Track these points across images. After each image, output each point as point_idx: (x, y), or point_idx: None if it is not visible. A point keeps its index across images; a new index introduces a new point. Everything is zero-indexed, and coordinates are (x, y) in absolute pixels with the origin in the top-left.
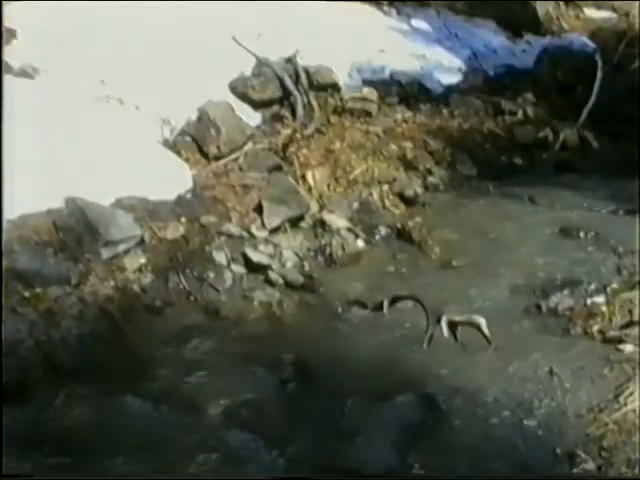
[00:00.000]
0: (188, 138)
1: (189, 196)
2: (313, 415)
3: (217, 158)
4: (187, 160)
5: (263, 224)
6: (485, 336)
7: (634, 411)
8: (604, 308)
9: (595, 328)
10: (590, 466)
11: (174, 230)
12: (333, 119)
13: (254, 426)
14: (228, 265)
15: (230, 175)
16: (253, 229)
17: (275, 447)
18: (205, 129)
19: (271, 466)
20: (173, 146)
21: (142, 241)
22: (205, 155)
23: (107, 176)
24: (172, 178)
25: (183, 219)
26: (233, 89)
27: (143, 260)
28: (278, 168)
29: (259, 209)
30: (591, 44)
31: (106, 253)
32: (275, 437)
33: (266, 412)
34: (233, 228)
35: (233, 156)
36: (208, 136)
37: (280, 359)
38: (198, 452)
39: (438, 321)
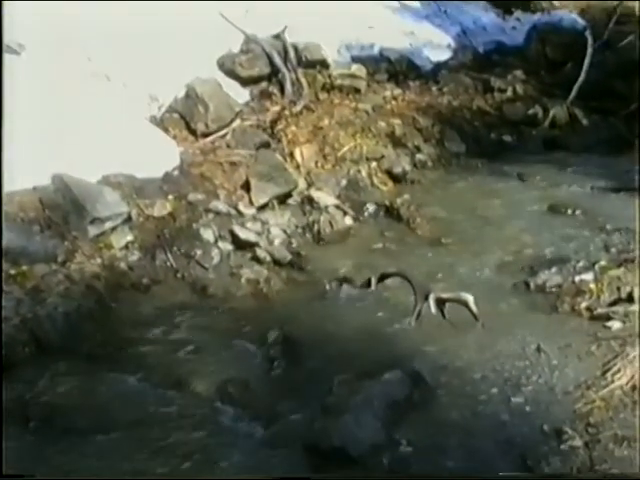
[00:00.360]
0: (176, 115)
1: (176, 173)
2: (300, 392)
3: (205, 135)
4: (174, 137)
5: (251, 201)
6: (473, 313)
7: (621, 388)
8: (592, 285)
9: (583, 305)
10: (577, 443)
11: (161, 207)
12: (322, 96)
13: (241, 403)
14: (215, 242)
15: (218, 152)
16: (241, 206)
17: (262, 424)
18: (193, 106)
19: (257, 443)
20: (160, 123)
21: (129, 218)
22: (193, 132)
23: (94, 153)
24: (159, 155)
25: (170, 196)
26: (221, 66)
27: (130, 237)
28: (266, 145)
29: (247, 186)
30: (581, 21)
31: (93, 230)
32: (262, 414)
33: (253, 389)
34: (221, 205)
35: (221, 133)
36: (196, 113)
37: (267, 336)
38: (184, 429)
39: (426, 298)
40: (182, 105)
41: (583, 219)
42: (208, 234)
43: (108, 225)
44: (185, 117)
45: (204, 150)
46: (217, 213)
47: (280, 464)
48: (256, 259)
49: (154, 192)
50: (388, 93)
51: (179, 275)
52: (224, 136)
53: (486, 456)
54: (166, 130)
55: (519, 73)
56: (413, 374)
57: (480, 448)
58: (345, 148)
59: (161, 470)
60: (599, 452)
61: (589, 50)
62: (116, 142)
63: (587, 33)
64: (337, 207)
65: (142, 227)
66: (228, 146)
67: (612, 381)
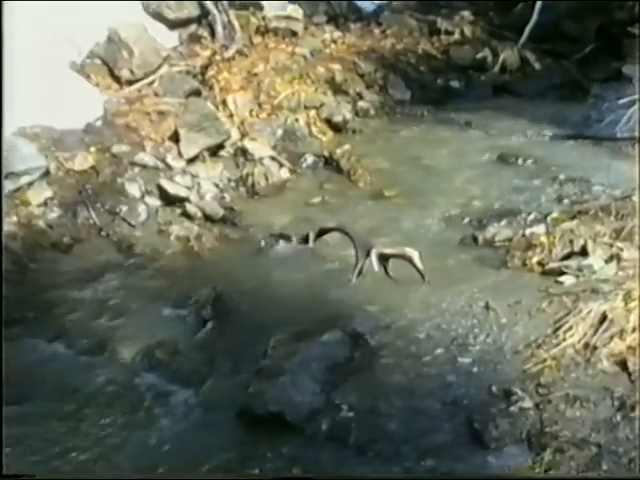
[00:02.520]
0: (97, 61)
1: (99, 124)
2: (233, 355)
3: (130, 82)
4: (97, 84)
5: (180, 153)
6: (418, 269)
7: (573, 346)
8: (544, 239)
9: (534, 260)
10: (527, 404)
11: (83, 161)
12: (256, 40)
13: (170, 368)
14: (142, 198)
15: (144, 101)
16: (169, 159)
17: (192, 390)
18: (116, 51)
19: (188, 410)
20: (81, 69)
21: (47, 173)
22: (117, 79)
23: (8, 103)
24: (80, 104)
25: (93, 149)
26: (146, 8)
27: (49, 193)
28: (196, 93)
29: (175, 137)
30: None
31: (7, 186)
32: (192, 379)
33: (183, 353)
34: (147, 158)
35: (147, 80)
36: (120, 58)
37: (198, 296)
38: (109, 397)
39: (368, 254)
40: (104, 50)
41: (534, 169)
42: (134, 189)
43: (24, 180)
44: (108, 63)
45: (129, 98)
46: (144, 166)
47: (212, 431)
48: (186, 215)
49: (75, 144)
50: (327, 36)
51: (103, 233)
52: (151, 83)
53: (431, 419)
54: (87, 77)
55: (467, 14)
56: (354, 334)
57: (425, 411)
58: (281, 95)
59: (83, 443)
60: (550, 413)
61: None
62: (32, 91)
63: None
64: (273, 159)
65: (62, 182)
66: (155, 94)
67: (564, 339)
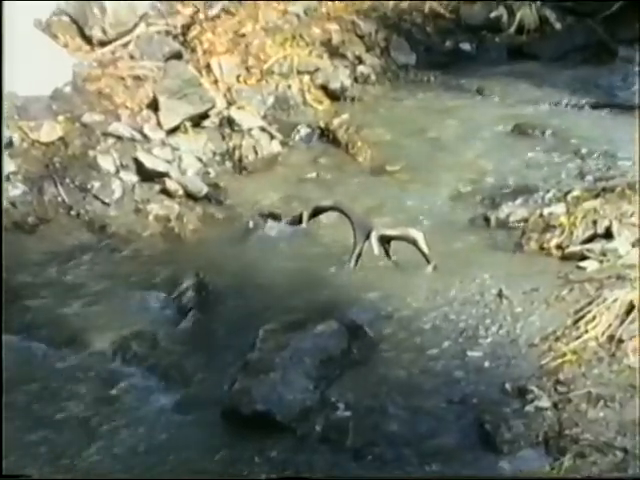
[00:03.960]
0: (65, 18)
1: (68, 90)
2: (218, 348)
3: (102, 43)
4: (65, 46)
5: (159, 123)
6: (423, 253)
7: (596, 339)
8: (563, 219)
9: (553, 243)
10: (544, 403)
11: (50, 131)
12: None
13: (148, 362)
14: (117, 173)
15: (118, 64)
16: (146, 129)
17: (172, 386)
18: (87, 8)
19: (167, 409)
20: (47, 28)
21: (10, 144)
22: (87, 40)
23: None
24: (46, 68)
25: (61, 118)
26: None
27: (12, 167)
28: (177, 56)
29: (154, 105)
30: None
31: None
32: (172, 375)
33: (162, 345)
34: (122, 128)
35: (122, 41)
36: (90, 16)
37: (179, 283)
38: (82, 394)
39: (367, 236)
40: (73, 7)
41: (554, 141)
42: (107, 163)
43: None
44: (77, 21)
45: (102, 62)
46: (118, 137)
47: (194, 433)
48: (166, 192)
49: (41, 112)
50: None
51: (73, 212)
52: (126, 45)
53: (437, 420)
54: (54, 37)
55: None
56: (351, 325)
57: (430, 411)
58: (272, 59)
59: (54, 444)
60: (570, 414)
61: None
62: None
63: None
64: (262, 130)
65: (26, 155)
66: (131, 57)
67: (585, 331)
